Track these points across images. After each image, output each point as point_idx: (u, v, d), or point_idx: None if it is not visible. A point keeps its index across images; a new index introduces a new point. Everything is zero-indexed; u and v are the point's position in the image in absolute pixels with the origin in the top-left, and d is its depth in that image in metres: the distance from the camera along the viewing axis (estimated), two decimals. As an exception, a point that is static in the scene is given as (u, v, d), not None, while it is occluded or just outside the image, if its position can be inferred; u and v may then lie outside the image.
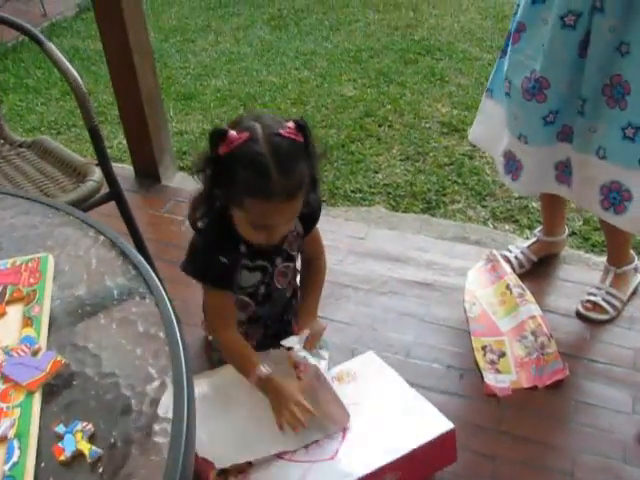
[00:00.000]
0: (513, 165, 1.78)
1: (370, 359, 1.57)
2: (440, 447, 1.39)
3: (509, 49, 1.70)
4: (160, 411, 0.71)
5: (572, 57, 1.54)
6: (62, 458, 0.68)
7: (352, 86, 3.33)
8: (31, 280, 0.89)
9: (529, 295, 1.94)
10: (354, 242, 2.23)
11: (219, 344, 1.38)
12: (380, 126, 2.96)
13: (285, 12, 4.30)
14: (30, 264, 0.92)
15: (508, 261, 2.06)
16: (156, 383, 0.74)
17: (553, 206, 2.03)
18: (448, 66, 3.48)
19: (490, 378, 1.73)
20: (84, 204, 1.59)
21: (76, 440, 0.69)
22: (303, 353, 1.36)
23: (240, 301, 1.44)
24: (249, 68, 3.58)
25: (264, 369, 1.33)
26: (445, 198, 2.48)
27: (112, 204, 1.71)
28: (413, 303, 1.99)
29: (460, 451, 1.45)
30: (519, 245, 2.12)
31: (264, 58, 3.69)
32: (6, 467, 0.66)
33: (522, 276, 2.02)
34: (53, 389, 0.76)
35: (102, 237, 0.97)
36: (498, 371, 1.75)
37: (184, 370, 0.75)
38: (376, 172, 2.65)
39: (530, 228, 2.29)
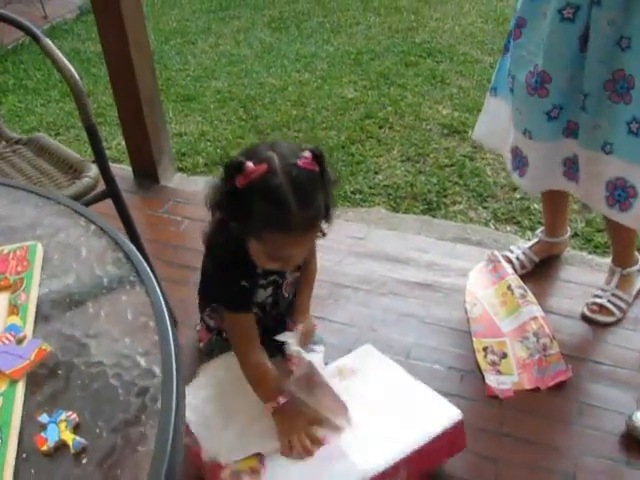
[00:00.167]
0: (520, 161, 1.76)
1: (368, 352, 1.56)
2: (451, 436, 1.39)
3: (511, 45, 1.69)
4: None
5: (572, 51, 1.52)
6: (44, 448, 0.65)
7: (353, 88, 3.32)
8: (19, 268, 0.87)
9: (531, 296, 1.91)
10: (354, 243, 2.21)
11: (241, 365, 1.37)
12: (381, 128, 2.94)
13: (286, 15, 4.29)
14: (18, 252, 0.90)
15: (510, 262, 2.03)
16: (144, 373, 0.71)
17: (555, 207, 2.01)
18: (449, 68, 3.46)
19: (491, 379, 1.70)
20: (79, 201, 1.57)
21: (60, 430, 0.66)
22: (297, 348, 1.36)
23: None
24: (249, 70, 3.57)
25: (282, 400, 1.33)
26: (446, 199, 2.46)
27: (110, 205, 1.69)
28: (413, 304, 1.96)
29: (462, 453, 1.43)
30: (521, 246, 2.09)
31: (264, 60, 3.68)
32: (-15, 458, 0.63)
33: (524, 277, 2.00)
34: (38, 378, 0.73)
35: (93, 226, 0.95)
36: (500, 372, 1.73)
37: (173, 360, 0.72)
38: (376, 173, 2.62)
39: (532, 230, 2.26)
